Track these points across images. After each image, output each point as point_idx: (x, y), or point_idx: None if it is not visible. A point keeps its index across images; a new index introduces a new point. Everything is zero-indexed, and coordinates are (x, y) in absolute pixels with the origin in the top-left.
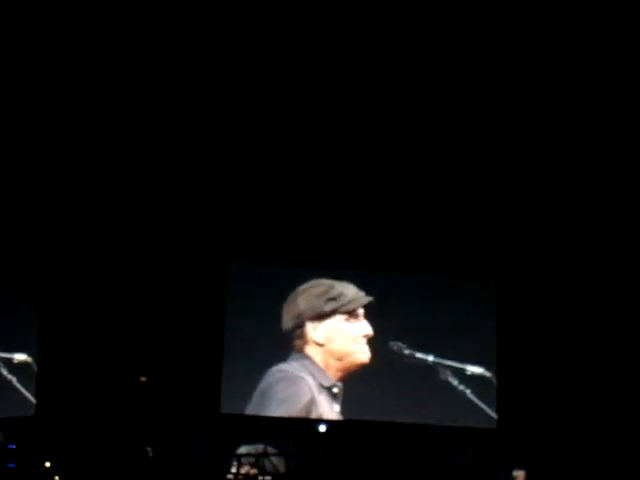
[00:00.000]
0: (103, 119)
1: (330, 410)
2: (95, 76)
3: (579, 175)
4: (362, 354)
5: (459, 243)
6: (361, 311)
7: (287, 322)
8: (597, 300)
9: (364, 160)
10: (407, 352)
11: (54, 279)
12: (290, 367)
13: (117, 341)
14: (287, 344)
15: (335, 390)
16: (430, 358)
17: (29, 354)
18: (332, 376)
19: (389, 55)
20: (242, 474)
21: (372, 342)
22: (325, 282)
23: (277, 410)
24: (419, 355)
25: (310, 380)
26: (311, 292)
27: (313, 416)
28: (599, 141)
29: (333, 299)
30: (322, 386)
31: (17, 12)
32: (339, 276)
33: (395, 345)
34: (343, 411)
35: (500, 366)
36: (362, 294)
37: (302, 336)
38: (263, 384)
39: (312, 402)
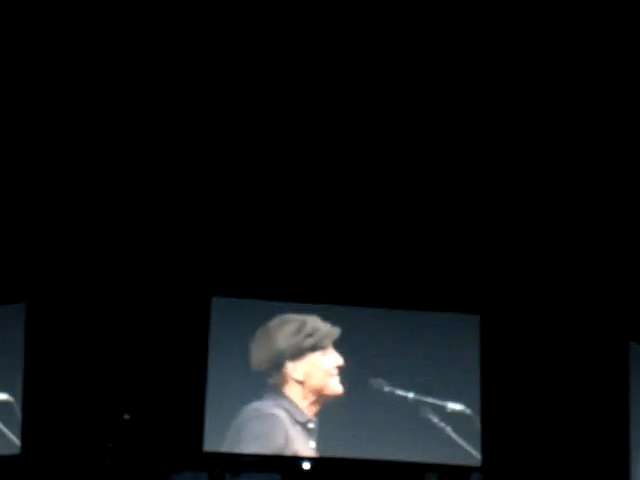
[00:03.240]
0: (87, 159)
1: (305, 446)
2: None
3: (564, 209)
4: (336, 385)
5: (443, 277)
6: (329, 343)
7: (262, 362)
8: (584, 337)
9: (341, 191)
10: (387, 389)
11: (40, 318)
12: (263, 405)
13: (100, 379)
14: (261, 383)
15: (310, 426)
16: (410, 395)
17: (11, 394)
18: (308, 412)
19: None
20: None
21: (352, 378)
22: (294, 317)
23: (251, 447)
24: (399, 392)
25: (284, 416)
26: (286, 329)
27: (288, 453)
28: (582, 172)
29: (310, 335)
30: (297, 422)
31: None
32: (317, 311)
33: (375, 382)
34: (319, 447)
35: (485, 403)
36: (330, 327)
37: (280, 375)
38: (236, 423)
39: (287, 438)
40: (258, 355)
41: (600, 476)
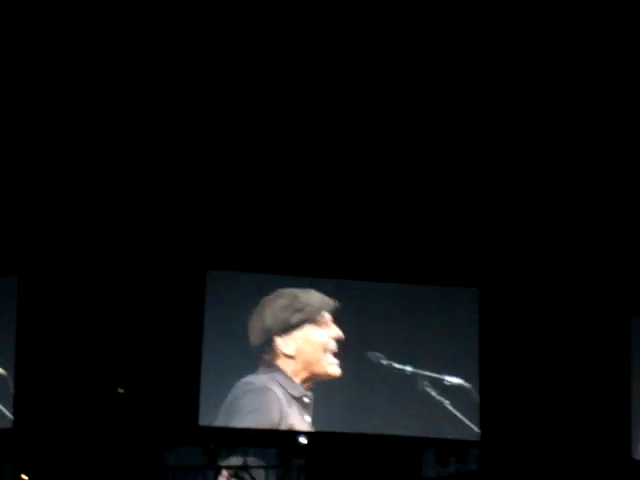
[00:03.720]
0: (83, 136)
1: (301, 421)
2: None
3: (563, 184)
4: (331, 362)
5: (442, 251)
6: (328, 317)
7: (256, 338)
8: (582, 310)
9: (345, 166)
10: (385, 362)
11: (32, 291)
12: (258, 379)
13: (94, 353)
14: (257, 357)
15: (306, 400)
16: (408, 368)
17: (4, 368)
18: (303, 386)
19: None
20: None
21: (349, 352)
22: (288, 292)
23: (246, 422)
24: (397, 365)
25: (279, 391)
26: (276, 305)
27: (283, 428)
28: (587, 153)
29: (300, 310)
30: (292, 397)
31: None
32: (316, 284)
33: (373, 355)
34: (315, 422)
35: (483, 377)
36: (327, 299)
37: (272, 351)
38: (230, 397)
39: (281, 413)
40: (252, 331)
41: (600, 450)
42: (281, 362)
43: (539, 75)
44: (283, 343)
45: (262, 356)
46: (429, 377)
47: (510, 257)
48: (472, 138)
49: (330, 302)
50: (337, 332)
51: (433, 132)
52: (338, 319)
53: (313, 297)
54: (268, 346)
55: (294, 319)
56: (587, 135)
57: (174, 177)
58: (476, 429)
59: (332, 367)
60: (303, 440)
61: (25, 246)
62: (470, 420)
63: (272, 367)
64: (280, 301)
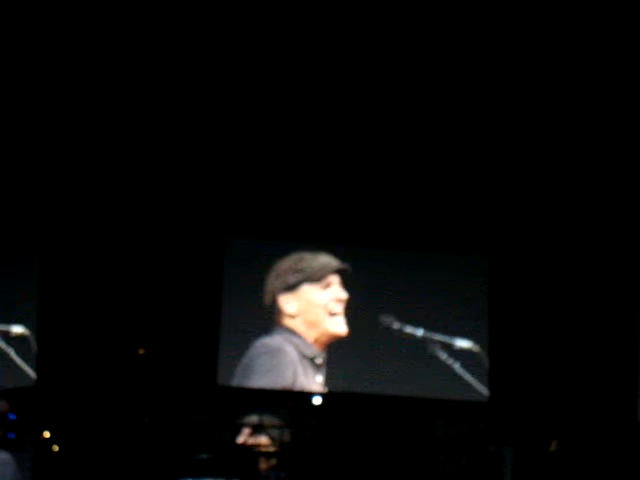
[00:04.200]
0: (98, 104)
1: (312, 381)
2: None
3: (572, 153)
4: (337, 321)
5: (452, 220)
6: (334, 279)
7: (266, 298)
8: (590, 276)
9: (356, 137)
10: (396, 326)
11: (55, 252)
12: (272, 340)
13: (116, 314)
14: (270, 318)
15: (318, 361)
16: (419, 332)
17: (27, 327)
18: (316, 346)
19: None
20: (239, 444)
21: (362, 315)
22: (296, 255)
23: (260, 383)
24: (408, 329)
25: (292, 351)
26: (280, 267)
27: (296, 388)
28: (592, 123)
29: (299, 271)
30: (305, 356)
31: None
32: (330, 251)
33: (385, 319)
34: (327, 382)
35: (492, 341)
36: (331, 261)
37: (277, 310)
38: (246, 358)
39: (295, 374)
40: (265, 292)
41: (607, 413)
42: (289, 322)
43: (542, 58)
44: (285, 302)
45: (272, 316)
46: (439, 341)
47: (519, 226)
48: (483, 109)
49: (334, 264)
50: (339, 294)
51: (445, 103)
52: (350, 284)
53: (317, 259)
54: (274, 305)
55: (292, 279)
56: (603, 108)
57: (195, 150)
58: (485, 391)
59: (337, 327)
60: (317, 401)
61: (49, 211)
62: (479, 382)
63: (284, 327)
64: (285, 262)
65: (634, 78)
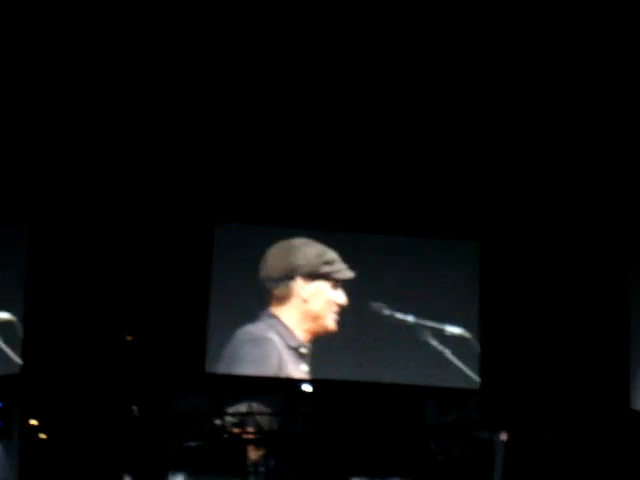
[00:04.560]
0: (89, 93)
1: (298, 370)
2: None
3: (563, 138)
4: (333, 320)
5: (443, 204)
6: (342, 281)
7: (274, 271)
8: (582, 262)
9: (345, 121)
10: (387, 312)
11: (42, 238)
12: (257, 329)
13: (103, 301)
14: (266, 292)
15: (302, 350)
16: (410, 318)
17: (13, 313)
18: (301, 337)
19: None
20: (227, 432)
21: (352, 301)
22: (316, 244)
23: (247, 370)
24: (399, 315)
25: (277, 340)
26: (308, 250)
27: (282, 376)
28: (581, 113)
29: (328, 263)
30: (289, 346)
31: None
32: (319, 237)
33: (375, 305)
34: (314, 370)
35: (484, 327)
36: (346, 269)
37: (287, 289)
38: (230, 347)
39: (280, 362)
40: (273, 263)
41: (599, 401)
42: (291, 304)
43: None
44: (302, 285)
45: (271, 292)
46: (430, 327)
47: (510, 211)
48: (474, 96)
49: (349, 271)
50: (343, 298)
51: (435, 91)
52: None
53: (336, 257)
54: (285, 283)
55: (322, 269)
56: (594, 99)
57: (183, 134)
58: (476, 378)
59: (333, 323)
60: (307, 388)
61: (37, 193)
62: (470, 369)
63: (271, 314)
64: (312, 249)
65: (628, 76)
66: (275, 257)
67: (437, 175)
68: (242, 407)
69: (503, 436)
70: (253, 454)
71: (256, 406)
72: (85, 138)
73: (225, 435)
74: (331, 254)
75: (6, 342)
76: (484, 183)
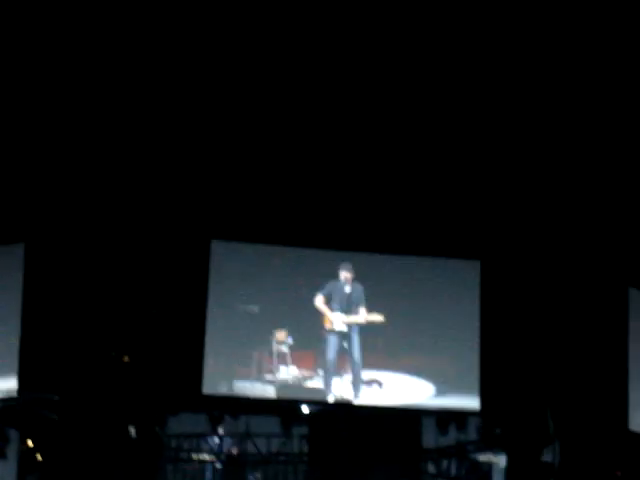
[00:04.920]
0: (85, 114)
1: None
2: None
3: (563, 159)
4: None
5: (445, 224)
6: None
7: None
8: (582, 283)
9: (347, 140)
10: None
11: (39, 259)
12: None
13: (101, 322)
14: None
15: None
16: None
17: (9, 332)
18: None
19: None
20: (224, 453)
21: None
22: None
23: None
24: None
25: None
26: None
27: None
28: (584, 130)
29: None
30: None
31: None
32: (318, 256)
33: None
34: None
35: (483, 348)
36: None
37: None
38: None
39: None
40: None
41: (598, 422)
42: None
43: (529, 60)
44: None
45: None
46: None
47: (511, 231)
48: (476, 119)
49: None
50: None
51: (437, 112)
52: None
53: None
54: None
55: None
56: (584, 115)
57: (180, 151)
58: (476, 399)
59: None
60: (306, 409)
61: (34, 214)
62: (470, 391)
63: None
64: None
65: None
66: None
67: (439, 195)
68: (240, 428)
69: (502, 458)
70: (250, 475)
71: (253, 427)
72: (82, 157)
73: (222, 457)
74: None
75: (2, 361)
76: (485, 203)
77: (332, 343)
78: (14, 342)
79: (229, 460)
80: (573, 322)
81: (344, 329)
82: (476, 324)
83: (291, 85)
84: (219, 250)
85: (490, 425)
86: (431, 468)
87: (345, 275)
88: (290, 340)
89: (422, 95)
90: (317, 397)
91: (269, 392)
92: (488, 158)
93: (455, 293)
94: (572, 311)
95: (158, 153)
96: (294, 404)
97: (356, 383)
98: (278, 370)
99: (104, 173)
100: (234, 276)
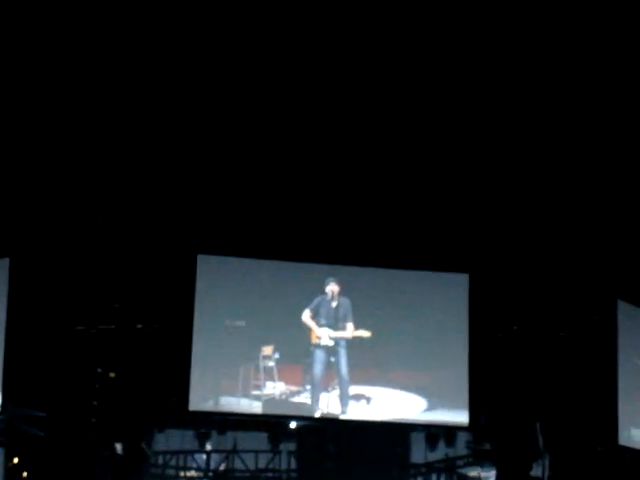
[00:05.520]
0: (72, 124)
1: None
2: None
3: (552, 171)
4: None
5: (433, 237)
6: None
7: None
8: (570, 296)
9: (334, 154)
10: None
11: (23, 276)
12: None
13: (87, 337)
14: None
15: None
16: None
17: None
18: None
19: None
20: (212, 470)
21: None
22: None
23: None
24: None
25: None
26: None
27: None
28: (570, 141)
29: None
30: None
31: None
32: (305, 269)
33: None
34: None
35: (472, 363)
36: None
37: None
38: None
39: None
40: None
41: (588, 437)
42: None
43: (528, 66)
44: None
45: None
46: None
47: (500, 244)
48: (465, 133)
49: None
50: None
51: (429, 126)
52: None
53: None
54: None
55: None
56: (574, 128)
57: (167, 167)
58: (465, 414)
59: None
60: (293, 425)
61: (18, 229)
62: (459, 405)
63: None
64: None
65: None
66: None
67: (427, 208)
68: (227, 444)
69: (492, 473)
70: None
71: (241, 443)
72: (69, 172)
73: (210, 473)
74: None
75: None
76: (474, 216)
77: (319, 358)
78: None
79: (216, 477)
80: (562, 335)
81: (331, 344)
82: (465, 338)
83: (279, 99)
84: (205, 264)
85: (479, 440)
86: None
87: (332, 289)
88: (277, 355)
89: (411, 109)
90: (304, 412)
91: (255, 408)
92: (477, 172)
93: (443, 307)
94: (561, 324)
95: (144, 168)
96: (281, 420)
97: (343, 398)
98: (264, 385)
99: (91, 188)
100: (221, 290)
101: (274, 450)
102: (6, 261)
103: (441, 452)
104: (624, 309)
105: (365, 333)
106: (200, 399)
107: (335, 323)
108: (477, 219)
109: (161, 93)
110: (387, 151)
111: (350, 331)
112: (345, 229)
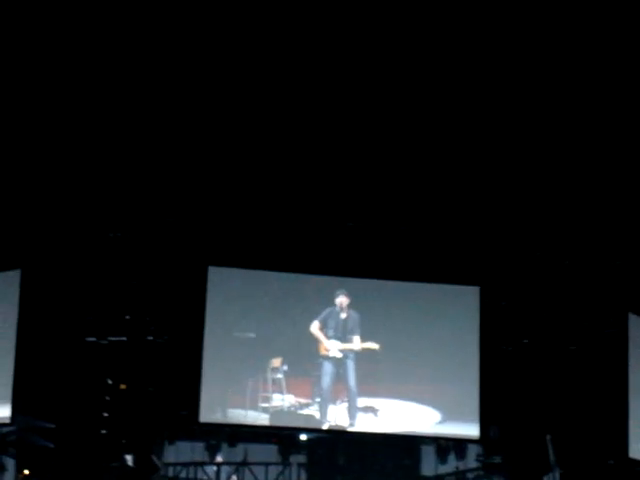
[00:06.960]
0: (78, 131)
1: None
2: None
3: (562, 184)
4: None
5: (444, 250)
6: None
7: None
8: (581, 309)
9: (343, 164)
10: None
11: (34, 287)
12: None
13: (97, 349)
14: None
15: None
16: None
17: (4, 359)
18: None
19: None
20: None
21: None
22: None
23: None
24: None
25: None
26: None
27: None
28: (581, 155)
29: None
30: None
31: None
32: (316, 282)
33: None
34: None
35: (483, 376)
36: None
37: None
38: None
39: None
40: None
41: (598, 450)
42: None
43: (534, 73)
44: None
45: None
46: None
47: (511, 257)
48: (478, 147)
49: None
50: None
51: (437, 136)
52: None
53: None
54: None
55: None
56: (583, 136)
57: (177, 178)
58: (476, 427)
59: None
60: (303, 437)
61: (29, 241)
62: (470, 418)
63: None
64: None
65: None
66: None
67: (438, 221)
68: (237, 457)
69: None
70: None
71: (252, 455)
72: (78, 183)
73: None
74: None
75: None
76: (485, 229)
77: (327, 370)
78: (8, 369)
79: None
80: (573, 349)
81: (339, 356)
82: (475, 351)
83: (292, 112)
84: (216, 276)
85: (490, 453)
86: None
87: (341, 301)
88: (285, 367)
89: (424, 121)
90: (312, 425)
91: (263, 420)
92: (487, 184)
93: (454, 320)
94: (572, 337)
95: (156, 181)
96: (290, 432)
97: (351, 410)
98: (272, 398)
99: (102, 201)
100: (231, 302)
101: (284, 462)
102: (17, 273)
103: (451, 465)
104: (635, 322)
105: (373, 345)
106: (210, 411)
107: (343, 335)
108: (488, 232)
109: (175, 106)
110: (397, 164)
111: (358, 344)
112: (355, 241)
